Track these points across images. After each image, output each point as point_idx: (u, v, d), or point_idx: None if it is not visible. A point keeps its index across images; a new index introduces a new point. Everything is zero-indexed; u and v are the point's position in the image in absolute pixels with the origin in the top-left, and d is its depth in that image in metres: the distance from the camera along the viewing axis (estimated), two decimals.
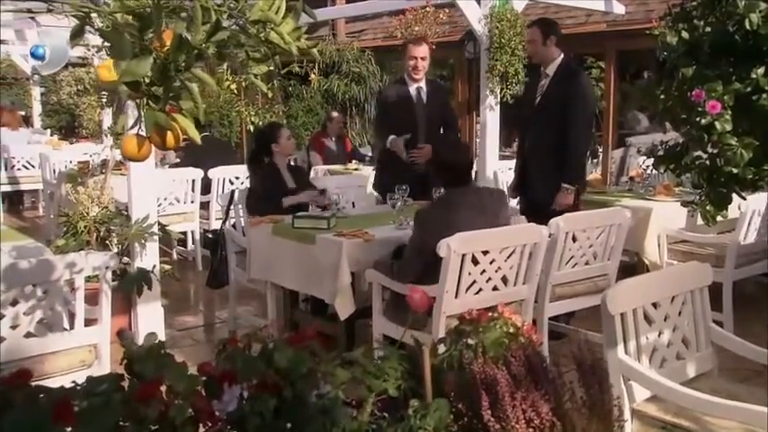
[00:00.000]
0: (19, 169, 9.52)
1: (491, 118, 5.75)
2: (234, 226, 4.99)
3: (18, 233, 4.34)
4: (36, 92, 11.66)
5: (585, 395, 1.56)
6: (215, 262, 4.95)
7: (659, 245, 4.96)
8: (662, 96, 1.91)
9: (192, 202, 6.66)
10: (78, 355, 3.07)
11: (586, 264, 4.14)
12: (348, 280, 3.80)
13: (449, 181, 3.67)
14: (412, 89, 5.16)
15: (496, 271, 3.55)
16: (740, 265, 4.68)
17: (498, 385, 1.43)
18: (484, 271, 3.50)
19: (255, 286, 4.66)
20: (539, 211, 4.51)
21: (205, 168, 6.61)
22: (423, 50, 5.11)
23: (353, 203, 5.51)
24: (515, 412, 1.41)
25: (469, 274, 3.44)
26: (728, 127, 1.73)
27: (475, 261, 3.44)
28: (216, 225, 6.05)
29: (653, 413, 2.44)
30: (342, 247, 3.78)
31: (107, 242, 4.58)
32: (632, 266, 5.08)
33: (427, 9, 7.41)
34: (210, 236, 5.58)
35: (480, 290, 3.52)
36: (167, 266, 4.88)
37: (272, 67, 1.60)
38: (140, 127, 1.48)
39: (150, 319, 4.43)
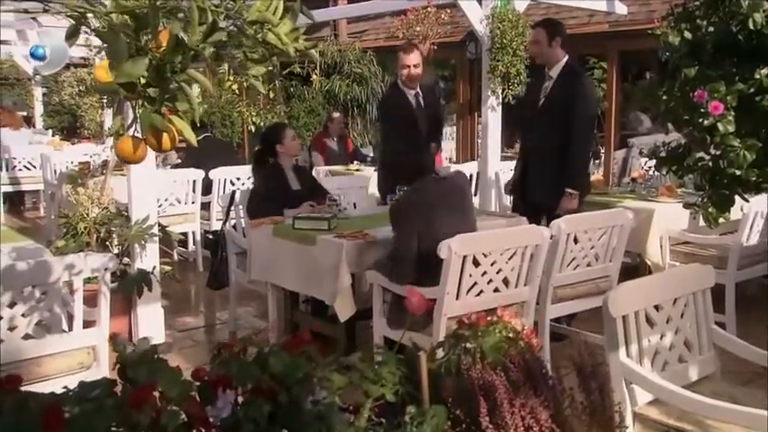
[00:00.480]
0: (20, 170, 9.52)
1: (493, 118, 5.74)
2: (234, 227, 4.98)
3: (18, 234, 4.33)
4: (38, 92, 11.66)
5: (586, 401, 1.54)
6: (215, 263, 4.94)
7: (661, 246, 4.94)
8: (664, 97, 1.88)
9: (193, 202, 6.65)
10: (77, 357, 3.05)
11: (588, 265, 4.12)
12: (348, 281, 3.78)
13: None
14: (410, 96, 5.22)
15: (498, 272, 3.53)
16: (743, 267, 4.67)
17: (497, 391, 1.41)
18: (485, 272, 3.48)
19: (256, 287, 4.65)
20: (537, 213, 4.51)
21: (206, 169, 6.60)
22: (414, 58, 5.12)
23: (354, 204, 5.49)
24: (514, 419, 1.39)
25: (470, 275, 3.42)
26: (731, 128, 1.71)
27: (476, 263, 3.43)
28: (217, 226, 6.04)
29: (655, 417, 2.42)
30: (342, 248, 3.77)
31: (107, 243, 4.56)
32: (634, 268, 5.07)
33: (429, 9, 7.42)
34: (211, 237, 5.57)
35: (481, 291, 3.51)
36: (168, 267, 4.87)
37: (270, 68, 1.58)
38: (136, 128, 1.46)
39: (150, 320, 4.43)
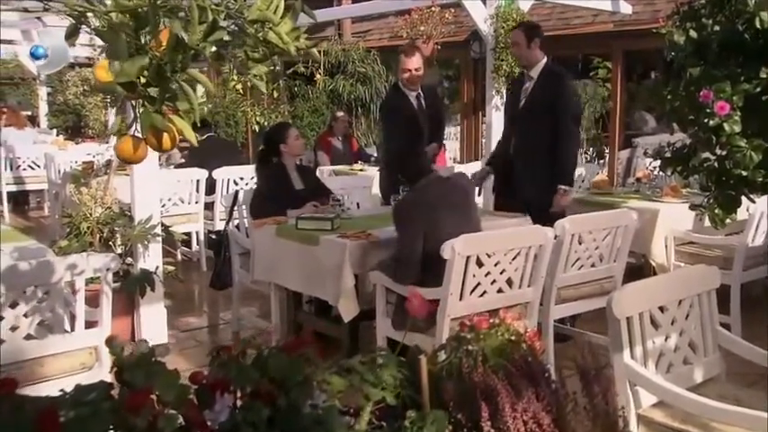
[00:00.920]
0: (24, 169, 9.53)
1: (497, 118, 5.73)
2: (237, 227, 4.97)
3: (21, 234, 4.33)
4: (42, 92, 11.68)
5: (589, 405, 1.53)
6: (218, 263, 4.93)
7: (666, 247, 4.93)
8: (669, 97, 1.87)
9: (197, 202, 6.64)
10: (79, 357, 3.04)
11: (592, 266, 4.10)
12: (351, 282, 3.77)
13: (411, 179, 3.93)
14: (411, 97, 5.21)
15: (501, 273, 3.52)
16: (748, 268, 4.64)
17: (499, 395, 1.39)
18: (489, 273, 3.46)
19: (259, 288, 4.64)
20: (529, 211, 4.53)
21: (210, 169, 6.59)
22: (415, 61, 5.11)
23: (358, 204, 5.48)
24: (516, 424, 1.37)
25: (474, 276, 3.41)
26: (737, 128, 1.70)
27: (479, 263, 3.41)
28: (220, 226, 6.03)
29: (659, 419, 2.41)
30: (345, 248, 3.75)
31: (110, 243, 4.56)
32: (639, 268, 5.04)
33: (433, 9, 7.40)
34: (214, 237, 5.57)
35: (485, 292, 3.49)
36: (171, 267, 4.86)
37: (273, 68, 1.57)
38: (136, 128, 1.45)
39: (153, 320, 4.42)
